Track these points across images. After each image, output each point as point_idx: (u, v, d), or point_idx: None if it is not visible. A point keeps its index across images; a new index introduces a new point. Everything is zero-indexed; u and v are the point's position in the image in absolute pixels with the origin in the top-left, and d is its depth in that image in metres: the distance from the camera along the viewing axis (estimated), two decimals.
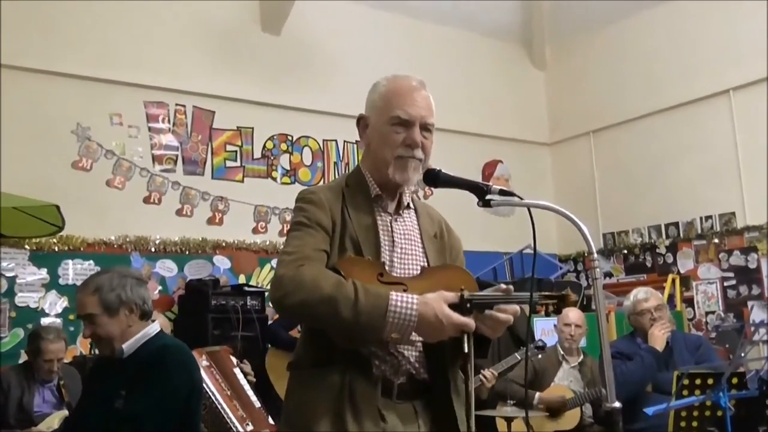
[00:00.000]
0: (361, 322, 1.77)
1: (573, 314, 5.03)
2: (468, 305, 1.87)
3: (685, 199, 7.01)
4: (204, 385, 3.41)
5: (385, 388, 1.89)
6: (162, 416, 2.56)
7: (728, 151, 6.72)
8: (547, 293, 2.03)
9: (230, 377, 3.73)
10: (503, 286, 1.99)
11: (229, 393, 3.63)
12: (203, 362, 3.64)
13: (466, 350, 1.85)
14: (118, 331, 2.65)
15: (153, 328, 2.74)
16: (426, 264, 2.05)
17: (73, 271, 5.44)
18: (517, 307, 1.95)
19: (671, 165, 7.15)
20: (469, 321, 1.84)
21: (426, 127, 2.04)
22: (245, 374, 3.92)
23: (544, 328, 5.72)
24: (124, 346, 2.65)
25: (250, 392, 3.74)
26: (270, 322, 5.52)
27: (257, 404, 3.69)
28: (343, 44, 6.99)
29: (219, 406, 3.48)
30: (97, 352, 3.07)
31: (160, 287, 5.79)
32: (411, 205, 2.14)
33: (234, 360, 3.93)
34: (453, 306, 1.84)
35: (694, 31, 7.05)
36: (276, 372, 4.92)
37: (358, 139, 2.15)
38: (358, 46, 7.04)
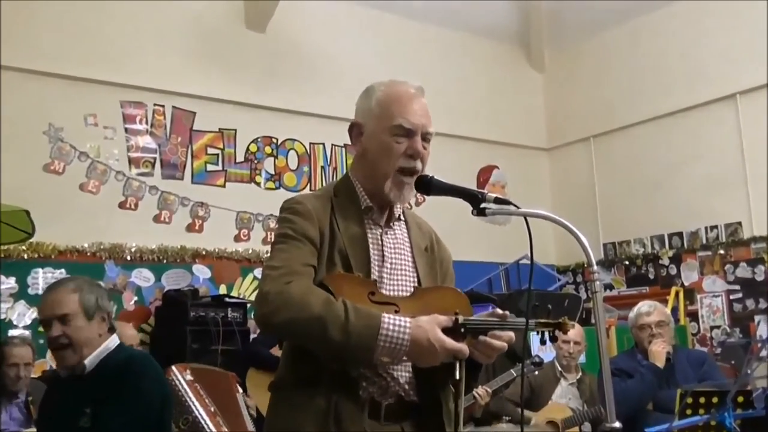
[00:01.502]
0: (350, 344, 1.77)
1: (571, 330, 5.03)
2: (462, 330, 1.87)
3: (690, 208, 7.04)
4: (187, 400, 3.40)
5: (373, 410, 1.89)
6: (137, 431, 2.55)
7: (734, 158, 6.76)
8: (543, 321, 2.03)
9: (226, 397, 3.72)
10: (499, 311, 2.00)
11: (212, 409, 3.63)
12: (187, 376, 3.63)
13: (457, 377, 1.86)
14: (90, 337, 2.64)
15: (113, 341, 2.73)
16: (416, 279, 2.06)
17: (43, 280, 5.41)
18: (512, 334, 1.96)
19: (675, 172, 7.19)
20: (463, 347, 1.85)
21: (425, 137, 2.05)
22: (246, 407, 3.93)
23: (545, 344, 5.71)
24: (86, 361, 2.63)
25: (248, 420, 3.74)
26: (253, 336, 5.50)
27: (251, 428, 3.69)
28: (332, 43, 6.99)
29: (202, 421, 3.47)
30: (54, 366, 2.97)
31: (135, 298, 5.76)
32: (402, 217, 2.14)
33: (239, 388, 3.95)
34: (447, 330, 1.85)
35: (698, 33, 7.10)
36: (260, 393, 4.90)
37: (347, 143, 2.15)
38: (348, 45, 7.05)
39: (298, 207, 1.99)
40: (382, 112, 2.03)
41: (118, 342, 2.76)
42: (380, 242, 2.04)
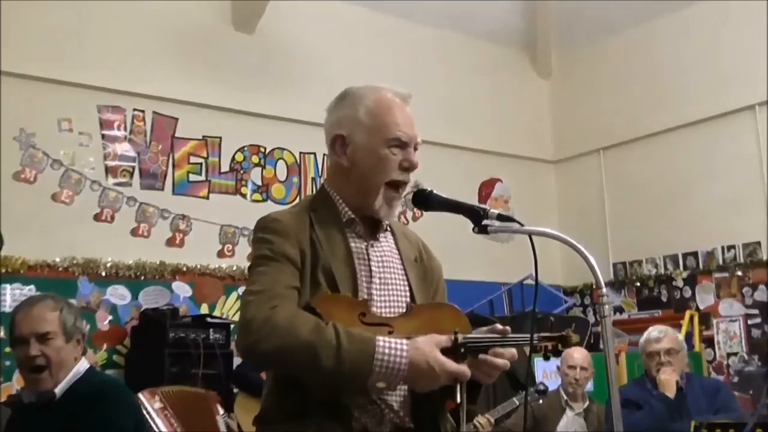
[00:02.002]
0: (344, 372, 1.77)
1: (578, 355, 5.04)
2: (462, 350, 1.87)
3: (705, 227, 7.05)
4: (155, 429, 3.38)
5: None
6: None
7: (753, 173, 6.78)
8: (545, 334, 2.04)
9: (202, 420, 3.70)
10: (499, 326, 2.00)
11: None
12: (155, 404, 3.62)
13: (458, 400, 1.86)
14: (67, 360, 2.64)
15: (83, 364, 2.73)
16: (408, 293, 2.06)
17: (11, 297, 5.38)
18: (514, 351, 1.97)
19: (690, 188, 7.20)
20: (465, 369, 1.85)
21: (415, 147, 2.07)
22: (229, 429, 3.90)
23: (546, 370, 5.72)
24: (56, 389, 2.62)
25: None
26: (236, 358, 5.48)
27: None
28: (326, 45, 7.01)
29: None
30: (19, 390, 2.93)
31: (110, 317, 5.74)
32: (388, 228, 2.15)
33: (221, 409, 3.91)
34: (446, 350, 1.85)
35: (716, 38, 7.13)
36: (251, 420, 4.87)
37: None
38: (342, 48, 7.07)
39: (274, 225, 1.99)
40: (375, 123, 2.04)
41: (88, 365, 2.75)
42: (366, 257, 2.04)
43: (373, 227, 2.09)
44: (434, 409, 1.95)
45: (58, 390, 2.62)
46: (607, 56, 8.02)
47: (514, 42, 8.31)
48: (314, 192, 2.20)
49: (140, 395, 3.77)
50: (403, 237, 2.18)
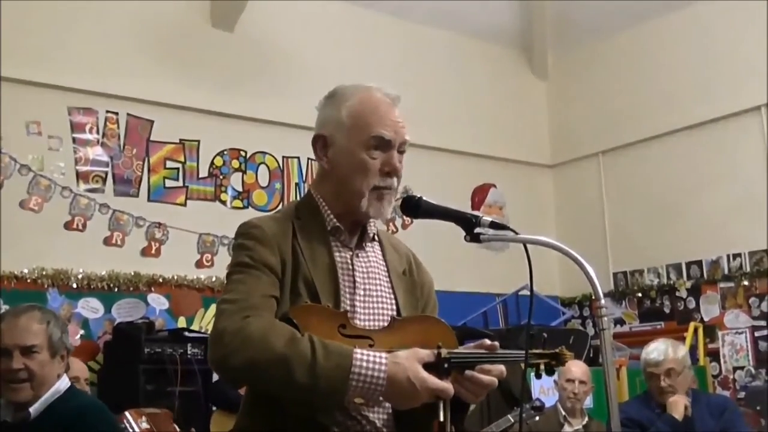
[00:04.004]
0: (319, 386, 1.77)
1: (576, 369, 5.06)
2: (446, 365, 1.88)
3: (710, 234, 7.09)
4: None
5: None
6: None
7: (760, 178, 6.81)
8: (538, 351, 2.05)
9: None
10: (487, 342, 2.01)
11: None
12: (143, 424, 3.61)
13: (441, 419, 1.86)
14: (50, 377, 2.63)
15: (63, 382, 2.71)
16: (395, 307, 2.07)
17: None
18: (502, 367, 1.97)
19: (693, 193, 7.24)
20: (447, 386, 1.85)
21: (401, 149, 2.09)
22: None
23: (543, 385, 5.73)
24: (31, 408, 2.61)
25: None
26: (216, 374, 5.47)
27: None
28: (310, 44, 7.03)
29: None
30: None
31: (82, 331, 5.72)
32: (376, 237, 2.16)
33: (177, 428, 3.90)
34: (428, 366, 1.85)
35: (719, 38, 7.17)
36: None
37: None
38: (328, 47, 7.08)
39: (255, 232, 2.00)
40: (356, 124, 2.05)
41: (69, 384, 2.74)
42: (351, 267, 2.05)
43: (361, 236, 2.11)
44: (420, 427, 1.95)
45: (34, 409, 2.61)
46: (607, 56, 8.06)
47: (509, 42, 8.34)
48: (298, 198, 2.21)
49: (127, 414, 3.76)
50: (392, 248, 2.19)
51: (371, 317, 2.02)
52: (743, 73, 6.97)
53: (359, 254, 2.09)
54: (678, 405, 4.15)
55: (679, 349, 4.42)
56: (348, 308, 1.98)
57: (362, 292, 2.03)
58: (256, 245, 1.97)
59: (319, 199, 2.10)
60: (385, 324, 2.01)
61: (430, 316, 2.11)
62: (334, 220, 2.07)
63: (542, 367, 2.07)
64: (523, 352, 2.00)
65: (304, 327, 1.84)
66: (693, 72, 7.33)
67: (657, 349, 4.33)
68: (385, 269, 2.12)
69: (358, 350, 1.81)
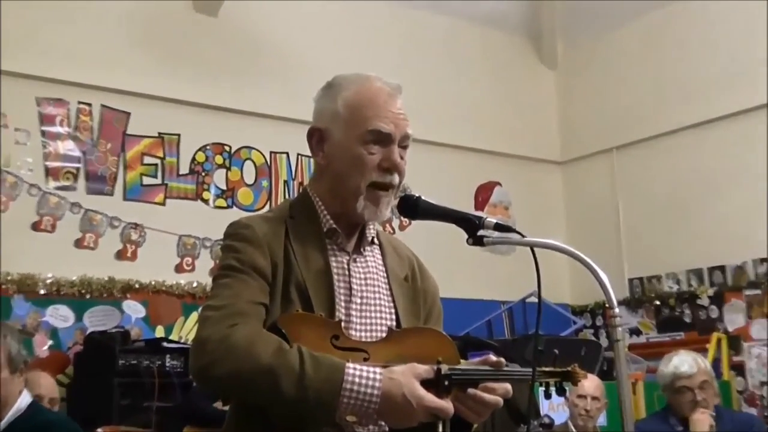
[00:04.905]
0: (308, 401, 1.77)
1: (588, 383, 5.04)
2: (446, 382, 1.87)
3: (734, 237, 7.07)
4: None
5: None
6: None
7: None
8: (547, 369, 2.05)
9: None
10: (492, 357, 2.01)
11: None
12: None
13: None
14: (11, 395, 2.62)
15: (25, 398, 2.70)
16: (394, 317, 2.07)
17: None
18: (508, 386, 1.97)
19: (716, 192, 7.22)
20: (446, 405, 1.85)
21: (403, 144, 2.08)
22: None
23: (552, 401, 5.73)
24: None
25: None
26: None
27: None
28: (300, 30, 7.02)
29: None
30: None
31: (50, 342, 5.70)
32: (375, 240, 2.16)
33: None
34: (427, 383, 1.85)
35: (747, 21, 7.12)
36: None
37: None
38: (320, 33, 7.08)
39: (244, 232, 2.00)
40: (352, 116, 2.06)
41: (31, 400, 2.73)
42: (347, 272, 2.05)
43: (359, 239, 2.11)
44: None
45: None
46: (621, 44, 8.05)
47: (514, 28, 8.33)
48: (288, 197, 2.21)
49: None
50: (393, 252, 2.19)
51: (368, 328, 2.03)
52: None
53: (357, 259, 2.09)
54: (703, 423, 4.14)
55: (705, 359, 4.43)
56: (342, 318, 1.98)
57: (359, 301, 2.03)
58: (245, 247, 1.97)
59: (315, 198, 2.10)
60: (383, 335, 2.01)
61: (430, 329, 2.11)
62: (331, 221, 2.07)
63: (552, 386, 2.06)
64: (531, 369, 1.98)
65: (294, 337, 1.84)
66: (715, 61, 7.31)
67: (685, 361, 4.33)
68: (385, 275, 2.12)
69: (351, 364, 1.81)
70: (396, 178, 2.06)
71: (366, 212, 2.05)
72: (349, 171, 2.04)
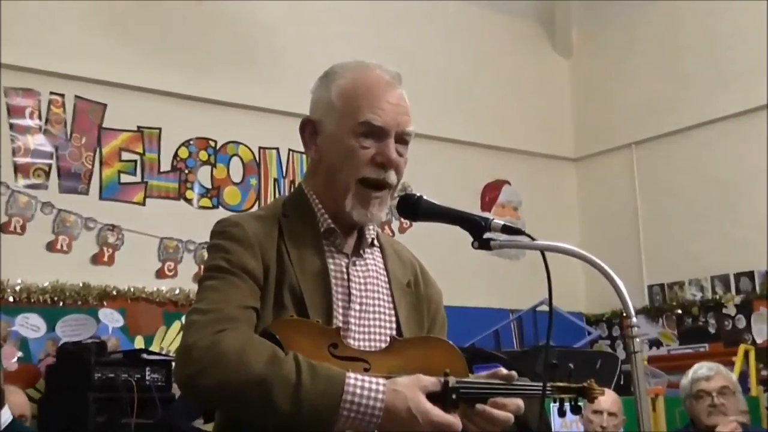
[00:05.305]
0: (303, 414, 1.77)
1: (605, 398, 5.05)
2: (454, 396, 1.87)
3: (763, 240, 7.07)
4: None
5: None
6: None
7: None
8: (561, 384, 2.05)
9: None
10: (503, 371, 2.01)
11: None
12: None
13: None
14: None
15: (5, 415, 2.70)
16: (395, 325, 2.07)
17: None
18: (520, 402, 1.97)
19: (742, 191, 7.23)
20: (454, 421, 1.85)
21: (402, 139, 2.07)
22: None
23: (566, 419, 5.73)
24: None
25: None
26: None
27: None
28: (294, 14, 7.02)
29: None
30: None
31: (20, 353, 5.70)
32: (376, 242, 2.16)
33: None
34: (433, 396, 1.85)
35: None
36: None
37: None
38: (314, 17, 7.08)
39: (234, 231, 2.00)
40: (345, 106, 2.06)
41: (11, 418, 2.73)
42: (346, 276, 2.06)
43: (358, 241, 2.11)
44: None
45: None
46: (641, 30, 8.06)
47: (526, 12, 8.35)
48: (279, 195, 2.21)
49: None
50: (395, 256, 2.19)
51: (367, 336, 2.03)
52: None
53: (356, 261, 2.10)
54: None
55: (729, 371, 4.45)
56: (341, 324, 1.98)
57: (358, 307, 2.03)
58: (234, 246, 1.96)
59: (312, 195, 2.11)
60: (384, 344, 2.01)
61: (436, 338, 2.11)
62: (329, 220, 2.07)
63: (567, 402, 2.06)
64: (546, 384, 1.99)
65: (288, 344, 1.84)
66: (743, 49, 7.30)
67: (704, 366, 4.37)
68: (386, 280, 2.13)
69: (352, 374, 1.81)
70: (392, 176, 2.05)
71: (354, 212, 2.04)
72: (339, 164, 2.04)
